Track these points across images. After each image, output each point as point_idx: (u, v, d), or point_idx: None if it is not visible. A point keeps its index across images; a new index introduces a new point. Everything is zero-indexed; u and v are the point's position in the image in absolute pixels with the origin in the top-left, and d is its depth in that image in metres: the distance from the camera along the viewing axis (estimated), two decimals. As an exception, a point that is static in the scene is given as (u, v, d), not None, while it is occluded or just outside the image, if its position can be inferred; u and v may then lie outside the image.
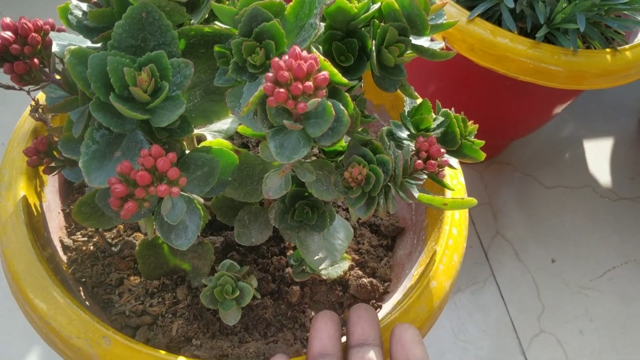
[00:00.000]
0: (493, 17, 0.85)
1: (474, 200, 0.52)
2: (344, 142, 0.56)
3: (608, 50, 0.83)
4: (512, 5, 0.78)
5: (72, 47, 0.46)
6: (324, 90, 0.40)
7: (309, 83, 0.39)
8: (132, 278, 0.63)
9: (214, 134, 0.64)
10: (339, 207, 0.75)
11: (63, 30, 0.59)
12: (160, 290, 0.62)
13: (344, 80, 0.45)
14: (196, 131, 0.64)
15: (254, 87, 0.48)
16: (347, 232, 0.61)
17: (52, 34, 0.55)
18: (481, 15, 0.83)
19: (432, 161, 0.47)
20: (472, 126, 0.57)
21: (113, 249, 0.65)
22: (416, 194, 0.52)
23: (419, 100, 0.57)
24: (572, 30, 0.81)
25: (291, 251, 0.69)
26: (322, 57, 0.44)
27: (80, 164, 0.47)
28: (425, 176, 0.51)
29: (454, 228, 0.62)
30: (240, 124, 0.62)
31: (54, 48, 0.52)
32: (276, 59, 0.40)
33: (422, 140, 0.49)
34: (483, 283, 1.00)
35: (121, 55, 0.47)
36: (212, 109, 0.57)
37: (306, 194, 0.58)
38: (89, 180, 0.46)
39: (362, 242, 0.70)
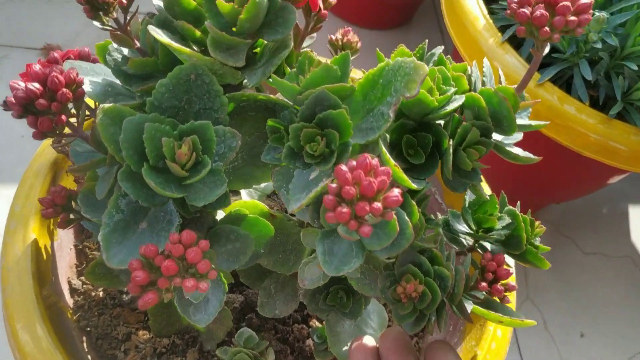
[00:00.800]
0: (561, 79, 0.78)
1: (532, 323, 0.46)
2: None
3: (683, 133, 0.76)
4: (589, 77, 0.71)
5: (107, 105, 0.40)
6: (393, 212, 0.34)
7: (378, 204, 0.33)
8: (140, 333, 0.58)
9: (249, 191, 0.58)
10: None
11: (97, 61, 0.53)
12: (169, 351, 0.57)
13: (413, 186, 0.39)
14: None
15: (306, 174, 0.43)
16: (381, 319, 0.55)
17: (83, 67, 0.49)
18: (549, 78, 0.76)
19: (499, 287, 0.41)
20: (539, 228, 0.51)
21: (124, 297, 0.59)
22: (470, 307, 0.46)
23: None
24: (648, 108, 0.74)
25: (314, 320, 0.63)
26: (392, 162, 0.38)
27: (99, 237, 0.41)
28: (482, 296, 0.45)
29: (499, 330, 0.56)
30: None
31: (86, 86, 0.47)
32: (342, 167, 0.34)
33: (489, 257, 0.43)
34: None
35: (160, 121, 0.41)
36: (253, 174, 0.51)
37: (343, 276, 0.53)
38: (107, 258, 0.41)
39: (390, 321, 0.64)
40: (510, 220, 0.49)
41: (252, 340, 0.55)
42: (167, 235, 0.42)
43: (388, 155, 0.38)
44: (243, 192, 0.58)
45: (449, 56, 0.45)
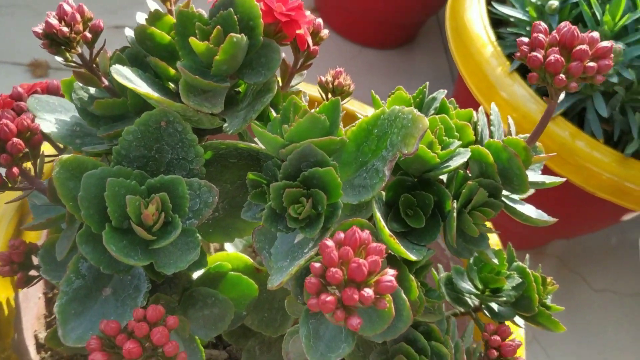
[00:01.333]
0: (574, 109, 0.73)
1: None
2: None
3: None
4: (604, 113, 0.66)
5: (65, 156, 0.35)
6: (387, 301, 0.29)
7: (369, 292, 0.28)
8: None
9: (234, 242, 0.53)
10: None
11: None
12: (143, 416, 0.52)
13: (412, 257, 0.34)
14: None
15: (290, 237, 0.38)
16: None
17: (50, 102, 0.44)
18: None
19: (507, 367, 0.36)
20: (552, 286, 0.46)
21: None
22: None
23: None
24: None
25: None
26: (387, 233, 0.33)
27: (55, 308, 0.36)
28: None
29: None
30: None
31: (51, 125, 0.41)
32: (327, 242, 0.29)
33: (492, 329, 0.38)
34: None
35: (126, 175, 0.36)
36: (235, 226, 0.46)
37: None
38: (64, 335, 0.35)
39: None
40: (520, 280, 0.44)
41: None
42: (133, 305, 0.37)
43: (382, 222, 0.33)
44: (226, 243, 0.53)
45: (452, 99, 0.40)
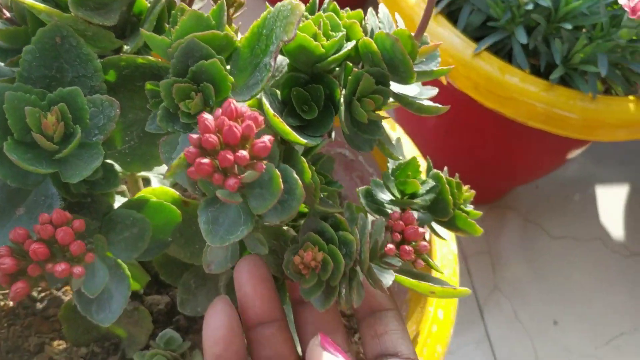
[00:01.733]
0: (503, 50, 0.75)
1: (467, 291, 0.42)
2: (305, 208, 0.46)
3: (631, 97, 0.73)
4: (524, 40, 0.68)
5: (-38, 75, 0.36)
6: (263, 163, 0.31)
7: (244, 152, 0.29)
8: (55, 343, 0.53)
9: (160, 177, 0.54)
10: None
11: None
12: (86, 360, 0.52)
13: (300, 140, 0.35)
14: (142, 173, 0.54)
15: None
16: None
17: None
18: (490, 49, 0.73)
19: (407, 247, 0.37)
20: (467, 193, 0.48)
21: (38, 305, 0.55)
22: (390, 278, 0.42)
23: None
24: (591, 72, 0.71)
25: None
26: (271, 112, 0.34)
27: (-35, 225, 0.37)
28: (398, 262, 0.41)
29: (440, 310, 0.52)
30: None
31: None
32: (204, 115, 0.30)
33: (397, 217, 0.39)
34: (476, 344, 0.89)
35: (27, 90, 0.37)
36: (152, 153, 0.47)
37: (262, 260, 0.48)
38: (-27, 247, 0.36)
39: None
40: (434, 183, 0.45)
41: (174, 341, 0.51)
42: (45, 221, 0.38)
43: (267, 105, 0.34)
44: (154, 179, 0.54)
45: (347, 8, 0.41)
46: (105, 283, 0.41)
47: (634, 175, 1.16)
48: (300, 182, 0.34)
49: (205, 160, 0.29)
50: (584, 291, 0.98)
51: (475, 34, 0.75)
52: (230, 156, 0.29)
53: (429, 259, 0.44)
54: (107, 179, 0.42)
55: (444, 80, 0.73)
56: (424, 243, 0.38)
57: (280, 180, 0.32)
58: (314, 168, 0.36)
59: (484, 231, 0.98)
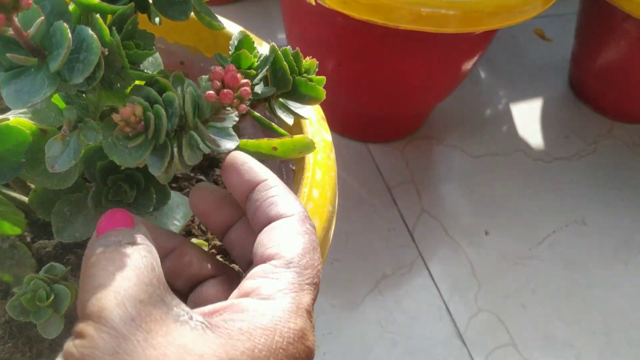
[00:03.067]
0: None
1: (307, 139, 0.43)
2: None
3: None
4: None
5: None
6: (30, 1, 0.31)
7: (2, -12, 0.30)
8: (-60, 300, 0.52)
9: (18, 115, 0.54)
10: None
11: None
12: (-27, 310, 0.51)
13: (95, 1, 0.36)
14: (1, 116, 0.54)
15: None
16: (185, 209, 0.51)
17: None
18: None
19: (226, 90, 0.38)
20: (309, 61, 0.48)
21: None
22: (233, 142, 0.42)
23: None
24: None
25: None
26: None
27: None
28: (235, 117, 0.41)
29: (315, 189, 0.52)
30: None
31: None
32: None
33: (218, 69, 0.40)
34: (410, 267, 0.90)
35: None
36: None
37: (122, 167, 0.48)
38: None
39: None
40: (269, 54, 0.46)
41: (54, 268, 0.50)
42: None
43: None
44: (11, 116, 0.54)
45: None
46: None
47: (545, 90, 1.19)
48: (95, 36, 0.34)
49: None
50: (511, 200, 1.00)
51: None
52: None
53: (273, 124, 0.45)
54: None
55: (312, 0, 0.74)
56: (246, 88, 0.39)
57: (69, 31, 0.33)
58: (114, 29, 0.37)
59: (405, 162, 1.00)
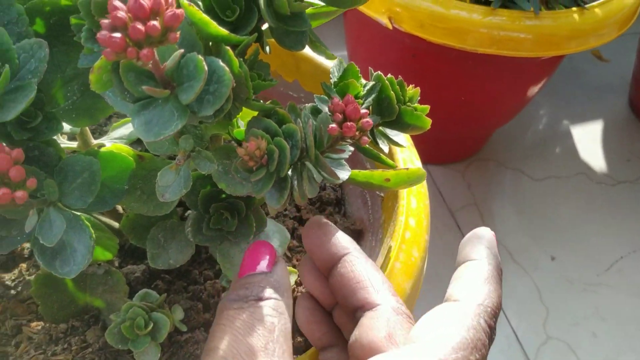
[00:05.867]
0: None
1: (421, 171, 0.42)
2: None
3: (575, 9, 0.74)
4: (457, -33, 0.69)
5: None
6: (177, 34, 0.31)
7: (154, 22, 0.30)
8: (33, 324, 0.52)
9: (114, 141, 0.54)
10: (285, 215, 0.64)
11: None
12: (67, 335, 0.51)
13: (222, 31, 0.35)
14: (95, 141, 0.54)
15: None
16: (282, 237, 0.51)
17: None
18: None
19: (349, 123, 0.37)
20: (412, 90, 0.48)
21: (11, 292, 0.54)
22: (345, 172, 0.42)
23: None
24: (530, -9, 0.72)
25: (229, 272, 0.58)
26: (185, 2, 0.34)
27: None
28: (350, 147, 0.41)
29: (411, 218, 0.51)
30: (143, 125, 0.52)
31: None
32: (113, 1, 0.31)
33: (337, 101, 0.39)
34: (476, 292, 0.88)
35: (-53, 37, 0.37)
36: (97, 106, 0.47)
37: (224, 195, 0.48)
38: None
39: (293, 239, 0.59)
40: (375, 83, 0.46)
41: (149, 296, 0.50)
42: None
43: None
44: (108, 143, 0.54)
45: None
46: (62, 231, 0.41)
47: (605, 112, 1.17)
48: (227, 68, 0.34)
49: (116, 34, 0.29)
50: (576, 225, 0.98)
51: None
52: (140, 26, 0.29)
53: (381, 155, 0.44)
54: (49, 127, 0.42)
55: (389, 24, 0.74)
56: (367, 119, 0.38)
57: (204, 63, 0.33)
58: (242, 59, 0.36)
59: (467, 184, 0.99)
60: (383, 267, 0.48)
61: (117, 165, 0.46)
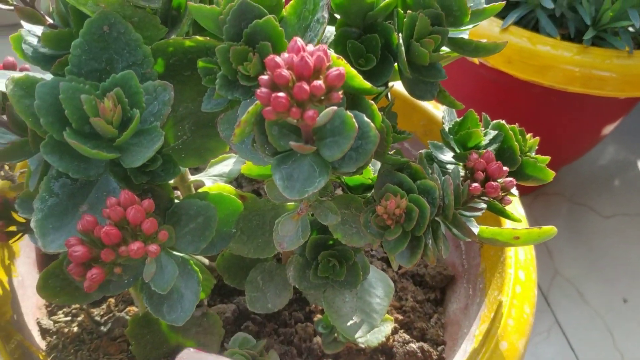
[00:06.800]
0: (529, 25, 0.75)
1: (553, 230, 0.40)
2: (372, 173, 0.44)
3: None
4: (550, 5, 0.67)
5: (17, 75, 0.36)
6: (340, 93, 0.29)
7: (319, 82, 0.28)
8: (125, 364, 0.51)
9: (214, 178, 0.53)
10: (372, 255, 0.63)
11: (26, 69, 0.49)
12: (160, 377, 0.50)
13: (366, 84, 0.34)
14: (192, 177, 0.53)
15: (250, 105, 0.38)
16: (386, 287, 0.49)
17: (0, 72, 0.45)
18: (516, 24, 0.72)
19: (493, 183, 0.35)
20: (532, 140, 0.46)
21: (102, 328, 0.53)
22: (475, 229, 0.40)
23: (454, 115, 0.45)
24: (623, 29, 0.69)
25: (319, 315, 0.57)
26: (334, 55, 0.33)
27: (32, 224, 0.36)
28: (483, 205, 0.39)
29: (521, 271, 0.49)
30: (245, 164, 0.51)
31: (1, 86, 0.42)
32: (272, 56, 0.29)
33: (476, 157, 0.37)
34: (547, 333, 0.85)
35: (79, 81, 0.37)
36: (207, 146, 0.46)
37: (331, 242, 0.47)
38: (44, 244, 0.35)
39: (404, 297, 0.57)
40: (497, 131, 0.44)
41: (248, 342, 0.48)
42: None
43: (332, 52, 0.33)
44: (207, 181, 0.53)
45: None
46: (175, 278, 0.39)
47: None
48: (372, 124, 0.33)
49: (281, 94, 0.28)
50: (648, 266, 0.94)
51: (500, 13, 0.74)
52: (306, 86, 0.28)
53: (507, 210, 0.42)
54: (166, 170, 0.41)
55: (476, 60, 0.72)
56: (510, 178, 0.36)
57: (354, 120, 0.31)
58: (382, 113, 0.35)
59: (534, 219, 0.95)
60: (494, 324, 0.46)
61: (226, 208, 0.45)
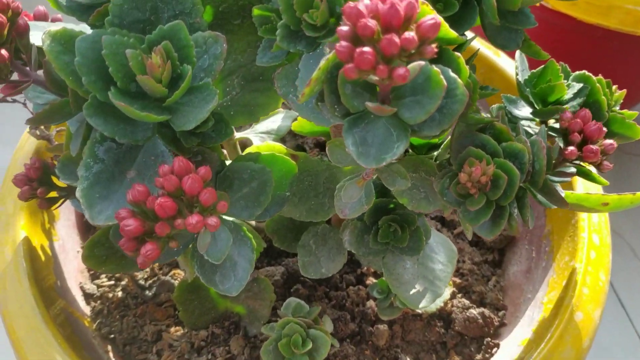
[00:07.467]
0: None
1: (644, 195, 0.36)
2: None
3: None
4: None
5: (54, 29, 0.32)
6: (434, 46, 0.25)
7: (411, 34, 0.24)
8: (172, 330, 0.49)
9: (261, 136, 0.49)
10: (424, 214, 0.59)
11: (59, 20, 0.45)
12: (209, 343, 0.48)
13: (452, 33, 0.29)
14: (238, 134, 0.49)
15: (314, 60, 0.34)
16: (449, 251, 0.46)
17: (39, 26, 0.41)
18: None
19: (592, 146, 0.31)
20: (618, 93, 0.41)
21: (147, 293, 0.51)
22: (560, 194, 0.36)
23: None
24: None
25: (371, 278, 0.54)
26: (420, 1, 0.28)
27: (78, 193, 0.33)
28: (573, 169, 0.35)
29: (595, 235, 0.46)
30: (295, 120, 0.47)
31: (35, 40, 0.39)
32: (350, 3, 0.25)
33: (570, 116, 0.33)
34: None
35: (122, 34, 0.33)
36: (257, 102, 0.42)
37: (392, 205, 0.43)
38: (91, 216, 0.32)
39: (461, 259, 0.54)
40: (582, 84, 0.39)
41: (301, 308, 0.46)
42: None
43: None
44: (254, 138, 0.49)
45: None
46: (229, 247, 0.36)
47: None
48: (460, 80, 0.28)
49: (367, 49, 0.24)
50: None
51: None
52: (396, 39, 0.23)
53: (596, 175, 0.38)
54: (218, 130, 0.37)
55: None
56: (610, 141, 0.32)
57: (442, 77, 0.27)
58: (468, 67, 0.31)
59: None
60: (567, 292, 0.43)
61: (279, 170, 0.42)
